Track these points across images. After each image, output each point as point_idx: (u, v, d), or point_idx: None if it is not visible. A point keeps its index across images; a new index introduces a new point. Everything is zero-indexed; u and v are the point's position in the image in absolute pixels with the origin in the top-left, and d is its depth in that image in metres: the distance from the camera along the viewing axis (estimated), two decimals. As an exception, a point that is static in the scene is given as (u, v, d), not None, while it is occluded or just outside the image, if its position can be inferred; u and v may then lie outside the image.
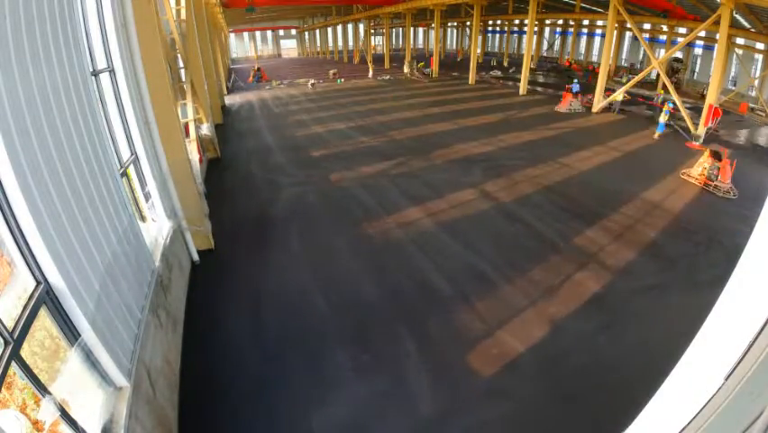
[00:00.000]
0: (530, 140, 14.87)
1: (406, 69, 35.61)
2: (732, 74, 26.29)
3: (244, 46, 68.73)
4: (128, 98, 5.34)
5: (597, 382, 4.73)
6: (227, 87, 28.28)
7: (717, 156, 10.43)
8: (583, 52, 41.16)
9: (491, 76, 33.84)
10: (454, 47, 59.95)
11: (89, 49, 4.51)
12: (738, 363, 1.50)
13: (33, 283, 2.64)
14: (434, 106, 21.53)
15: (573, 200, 9.62)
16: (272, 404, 4.55)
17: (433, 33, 46.51)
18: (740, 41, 22.50)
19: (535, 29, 35.71)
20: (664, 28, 27.73)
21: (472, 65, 29.47)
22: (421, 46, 65.76)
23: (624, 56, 36.45)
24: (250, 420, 4.37)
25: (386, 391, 4.68)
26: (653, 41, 31.43)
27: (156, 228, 5.79)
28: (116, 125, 5.23)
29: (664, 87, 19.55)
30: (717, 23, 15.15)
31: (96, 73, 4.54)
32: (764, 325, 1.42)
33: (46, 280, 2.67)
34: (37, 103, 2.81)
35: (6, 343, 2.25)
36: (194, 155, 10.01)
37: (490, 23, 50.97)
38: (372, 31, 51.93)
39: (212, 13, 23.96)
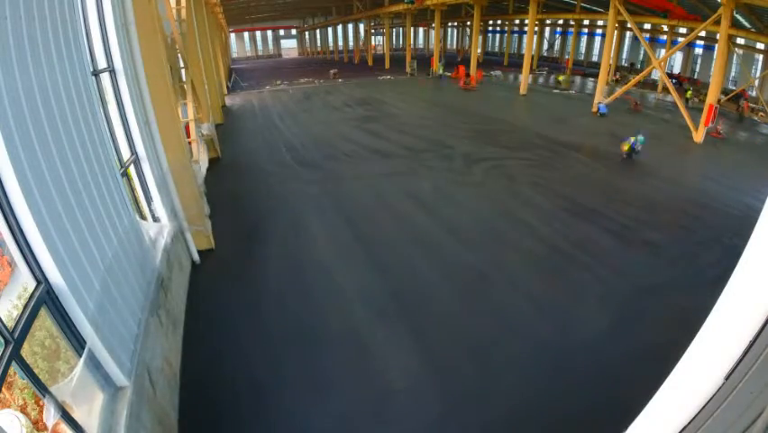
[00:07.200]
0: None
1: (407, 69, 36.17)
2: (732, 74, 26.29)
3: (244, 46, 68.72)
4: (128, 98, 5.34)
5: None
6: (227, 87, 28.30)
7: None
8: (583, 52, 41.13)
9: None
10: (455, 46, 59.91)
11: (90, 49, 4.52)
12: (738, 363, 1.50)
13: (34, 283, 2.64)
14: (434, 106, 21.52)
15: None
16: (272, 404, 4.55)
17: (433, 33, 46.51)
18: (740, 40, 22.47)
19: (536, 29, 35.64)
20: (665, 28, 27.71)
21: (473, 65, 29.45)
22: (421, 46, 65.72)
23: (624, 56, 36.44)
24: (250, 420, 4.37)
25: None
26: (654, 40, 31.41)
27: (156, 228, 5.79)
28: (117, 125, 5.23)
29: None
30: (717, 22, 15.14)
31: (96, 73, 4.54)
32: (764, 325, 1.42)
33: (47, 279, 2.67)
34: (38, 103, 2.81)
35: (7, 343, 2.25)
36: (199, 155, 10.02)
37: (490, 22, 50.91)
38: (372, 31, 51.88)
39: (212, 12, 23.95)
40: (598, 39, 39.17)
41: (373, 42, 54.79)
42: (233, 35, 62.61)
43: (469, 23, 47.84)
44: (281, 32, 70.83)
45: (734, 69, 26.08)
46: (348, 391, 4.70)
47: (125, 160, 5.26)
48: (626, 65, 35.28)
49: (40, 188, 2.66)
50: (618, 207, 9.18)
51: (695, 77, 29.51)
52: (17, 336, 2.33)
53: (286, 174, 11.89)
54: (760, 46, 22.70)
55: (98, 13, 4.85)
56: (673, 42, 27.17)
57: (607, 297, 6.20)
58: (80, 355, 2.87)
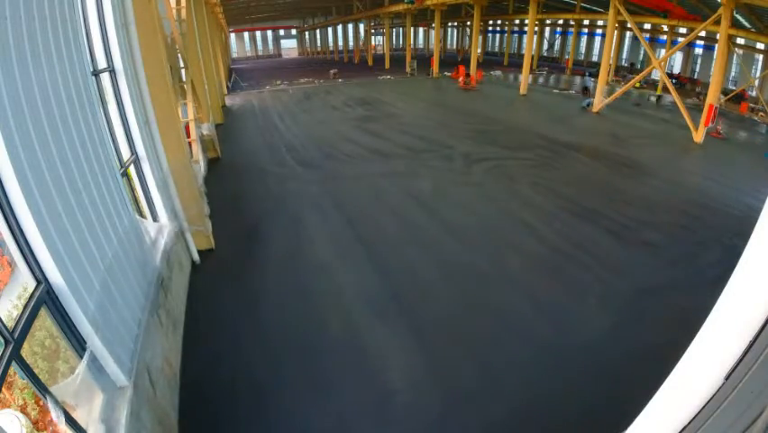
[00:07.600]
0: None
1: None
2: (732, 74, 26.28)
3: (244, 46, 68.74)
4: (128, 98, 5.34)
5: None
6: (227, 87, 28.31)
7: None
8: (584, 52, 41.12)
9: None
10: (455, 46, 59.90)
11: (90, 49, 4.52)
12: (738, 363, 1.51)
13: (34, 283, 2.64)
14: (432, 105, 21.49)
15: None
16: (272, 404, 4.55)
17: (433, 33, 46.50)
18: (740, 40, 22.47)
19: (536, 29, 35.62)
20: (665, 28, 27.71)
21: (473, 65, 29.46)
22: (421, 46, 65.72)
23: (624, 56, 36.44)
24: (249, 420, 4.37)
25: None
26: (654, 40, 31.41)
27: (156, 228, 5.79)
28: (117, 125, 5.23)
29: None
30: (717, 22, 15.14)
31: (96, 73, 4.54)
32: (764, 325, 1.42)
33: (47, 279, 2.67)
34: (38, 103, 2.81)
35: (7, 343, 2.25)
36: (198, 155, 10.02)
37: (490, 22, 50.91)
38: (372, 31, 51.88)
39: (212, 12, 23.95)
40: (598, 39, 39.16)
41: (373, 42, 54.78)
42: (233, 35, 62.62)
43: (469, 22, 47.84)
44: (281, 32, 70.82)
45: (734, 69, 26.08)
46: (348, 391, 4.69)
47: (125, 160, 5.26)
48: (626, 65, 35.28)
49: (40, 188, 2.66)
50: (618, 207, 9.18)
51: (695, 77, 29.52)
52: (17, 336, 2.33)
53: (286, 174, 11.88)
54: (760, 46, 22.71)
55: (98, 13, 4.85)
56: (673, 42, 27.18)
57: (607, 297, 6.20)
58: (80, 355, 2.87)
